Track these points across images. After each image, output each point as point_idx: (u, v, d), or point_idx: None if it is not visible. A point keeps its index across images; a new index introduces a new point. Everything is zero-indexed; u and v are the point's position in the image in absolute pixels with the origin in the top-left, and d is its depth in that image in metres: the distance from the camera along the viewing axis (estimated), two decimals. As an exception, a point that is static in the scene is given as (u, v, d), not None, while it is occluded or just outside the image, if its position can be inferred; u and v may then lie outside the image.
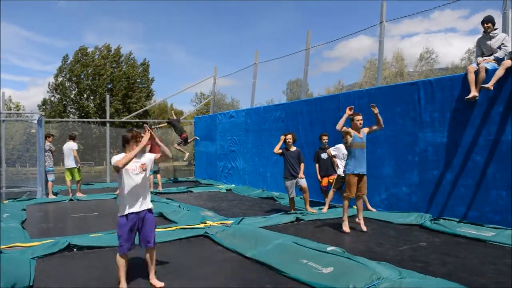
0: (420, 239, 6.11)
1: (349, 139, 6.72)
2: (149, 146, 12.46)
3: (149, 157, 4.47)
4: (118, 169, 4.19)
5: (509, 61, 6.61)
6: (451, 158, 7.37)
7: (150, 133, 4.43)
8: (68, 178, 11.65)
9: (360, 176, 6.76)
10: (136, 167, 4.30)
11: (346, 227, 6.70)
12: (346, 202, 6.83)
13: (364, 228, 6.73)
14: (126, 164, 4.16)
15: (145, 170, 4.37)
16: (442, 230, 6.44)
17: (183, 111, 48.52)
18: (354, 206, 8.11)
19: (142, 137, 4.40)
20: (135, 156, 4.24)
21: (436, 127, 7.64)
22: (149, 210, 4.44)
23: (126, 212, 4.28)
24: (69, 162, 11.57)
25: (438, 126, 7.59)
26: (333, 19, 75.17)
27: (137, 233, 4.42)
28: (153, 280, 4.36)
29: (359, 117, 6.78)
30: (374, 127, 6.92)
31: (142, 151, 4.36)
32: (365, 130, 6.87)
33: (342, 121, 6.62)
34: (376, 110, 6.71)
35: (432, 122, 7.70)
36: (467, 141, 7.13)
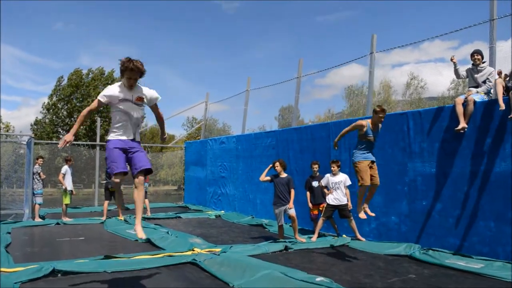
0: (409, 270, 6.07)
1: (362, 132, 6.56)
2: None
3: (148, 93, 4.39)
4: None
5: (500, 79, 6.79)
6: (440, 189, 7.41)
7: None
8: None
9: (371, 163, 6.58)
10: (132, 97, 4.22)
11: (362, 214, 6.66)
12: (362, 189, 6.57)
13: (371, 214, 6.74)
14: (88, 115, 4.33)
15: (140, 105, 4.31)
16: (431, 262, 6.42)
17: (174, 135, 48.54)
18: (344, 235, 8.11)
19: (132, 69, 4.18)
20: (131, 90, 4.22)
21: (425, 157, 7.70)
22: (138, 143, 4.39)
23: (115, 137, 4.25)
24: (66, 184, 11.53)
25: (427, 156, 7.66)
26: (325, 47, 76.35)
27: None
28: (138, 227, 4.29)
29: (383, 114, 6.61)
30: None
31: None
32: (380, 126, 6.77)
33: (346, 129, 6.75)
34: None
35: (421, 152, 7.77)
36: (456, 171, 7.18)
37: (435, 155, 7.52)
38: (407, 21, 74.60)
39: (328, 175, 8.41)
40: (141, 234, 4.18)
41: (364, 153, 6.55)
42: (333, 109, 33.35)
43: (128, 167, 4.35)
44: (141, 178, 4.24)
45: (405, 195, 8.01)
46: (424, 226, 7.62)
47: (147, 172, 4.30)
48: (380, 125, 6.73)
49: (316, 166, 9.15)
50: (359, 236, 8.23)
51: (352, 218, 8.19)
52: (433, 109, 7.81)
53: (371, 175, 6.55)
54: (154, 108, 4.62)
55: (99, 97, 4.26)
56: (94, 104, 4.29)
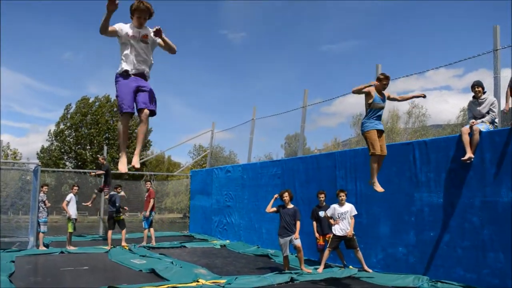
0: (417, 303, 5.96)
1: (370, 99, 6.56)
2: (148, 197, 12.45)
3: (152, 37, 4.34)
4: (105, 35, 4.13)
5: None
6: (448, 219, 7.33)
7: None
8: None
9: (379, 133, 6.57)
10: (139, 33, 4.22)
11: (378, 187, 6.64)
12: (373, 160, 6.54)
13: (381, 189, 6.70)
14: (104, 28, 4.04)
15: (147, 41, 4.28)
16: (440, 294, 6.31)
17: (180, 163, 48.65)
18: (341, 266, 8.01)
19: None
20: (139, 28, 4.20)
21: (431, 187, 7.64)
22: (145, 78, 4.35)
23: (123, 69, 4.22)
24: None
25: (434, 186, 7.60)
26: (331, 75, 77.02)
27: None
28: (135, 157, 4.26)
29: (387, 81, 6.62)
30: (397, 97, 6.90)
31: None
32: (387, 93, 6.77)
33: (360, 87, 6.54)
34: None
35: (428, 182, 7.72)
36: (463, 202, 7.11)
37: (442, 185, 7.47)
38: (411, 49, 75.37)
39: (334, 205, 8.34)
40: (136, 164, 4.21)
41: (372, 123, 6.57)
42: (339, 137, 33.40)
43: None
44: (146, 112, 4.24)
45: (412, 226, 7.91)
46: (432, 258, 7.50)
47: (151, 113, 4.30)
48: (384, 92, 6.75)
49: (323, 195, 9.10)
50: (366, 267, 8.11)
51: (358, 249, 8.09)
52: (439, 138, 7.80)
53: (380, 146, 6.55)
54: (160, 43, 4.45)
55: (115, 27, 4.22)
56: (110, 28, 4.17)
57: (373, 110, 6.62)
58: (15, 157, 40.19)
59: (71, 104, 39.65)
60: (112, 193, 12.03)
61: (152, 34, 4.30)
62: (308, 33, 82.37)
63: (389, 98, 6.92)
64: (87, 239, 14.03)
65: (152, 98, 4.29)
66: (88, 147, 38.58)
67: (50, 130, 39.24)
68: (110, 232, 11.80)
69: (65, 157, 38.96)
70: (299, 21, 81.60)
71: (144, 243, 12.18)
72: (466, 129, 7.07)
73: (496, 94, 7.63)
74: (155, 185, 19.65)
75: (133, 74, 4.24)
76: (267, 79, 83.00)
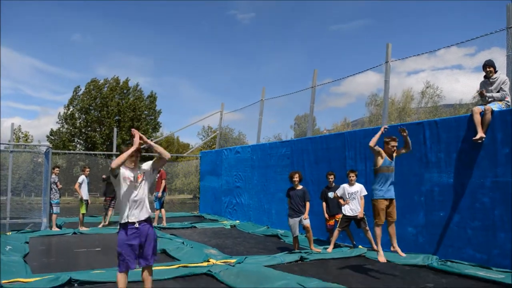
0: (427, 280, 5.99)
1: (380, 161, 6.46)
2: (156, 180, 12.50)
3: (146, 165, 4.57)
4: (114, 173, 4.29)
5: None
6: (458, 199, 7.31)
7: (140, 136, 4.52)
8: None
9: (389, 201, 6.48)
10: (134, 178, 4.40)
11: (381, 257, 6.46)
12: (378, 229, 6.46)
13: (402, 254, 6.45)
14: (120, 164, 4.23)
15: (144, 179, 4.48)
16: (450, 271, 6.34)
17: (190, 144, 48.85)
18: (351, 246, 8.04)
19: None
20: (131, 156, 4.38)
21: (442, 167, 7.60)
22: (149, 222, 4.56)
23: (125, 220, 4.37)
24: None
25: (444, 166, 7.56)
26: (340, 55, 76.20)
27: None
28: None
29: (394, 143, 6.48)
30: (403, 150, 6.65)
31: (137, 165, 4.53)
32: (398, 152, 6.63)
33: (375, 138, 6.40)
34: (405, 133, 6.46)
35: (438, 162, 7.68)
36: (474, 182, 7.08)
37: (453, 165, 7.43)
38: (422, 27, 74.15)
39: (344, 185, 8.34)
40: None
41: (382, 190, 6.42)
42: (349, 117, 33.24)
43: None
44: (146, 273, 4.60)
45: (422, 206, 7.91)
46: (442, 238, 7.51)
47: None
48: (394, 154, 6.57)
49: (332, 176, 9.10)
50: (375, 247, 8.13)
51: (368, 228, 8.10)
52: (450, 118, 7.73)
53: (388, 212, 6.46)
54: (155, 163, 4.68)
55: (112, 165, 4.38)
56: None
57: (381, 174, 6.48)
58: (26, 140, 40.55)
59: (80, 86, 39.77)
60: None
61: (149, 167, 4.60)
62: (317, 12, 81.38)
63: (399, 153, 6.67)
64: (99, 220, 14.20)
65: (154, 248, 4.60)
66: (98, 129, 38.78)
67: (60, 113, 39.47)
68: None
69: (75, 140, 39.26)
70: (308, 0, 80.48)
71: (155, 224, 12.31)
72: (477, 108, 6.99)
73: (509, 73, 7.51)
74: (165, 166, 19.77)
75: (137, 222, 4.44)
76: (276, 60, 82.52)
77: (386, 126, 6.69)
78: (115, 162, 4.23)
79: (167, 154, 4.55)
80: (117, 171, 4.33)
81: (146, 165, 4.58)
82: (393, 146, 6.47)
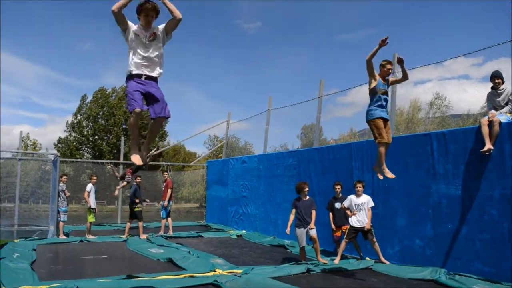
0: (434, 295, 5.94)
1: (374, 83, 6.43)
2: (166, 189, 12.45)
3: (160, 26, 4.36)
4: (117, 19, 4.13)
5: None
6: (466, 212, 7.26)
7: None
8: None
9: (384, 121, 6.41)
10: (145, 36, 4.24)
11: (389, 174, 6.39)
12: (382, 148, 6.32)
13: (392, 175, 6.40)
14: (120, 7, 4.04)
15: (156, 39, 4.30)
16: (458, 287, 6.26)
17: (196, 153, 48.95)
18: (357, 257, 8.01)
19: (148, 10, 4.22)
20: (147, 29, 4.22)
21: (449, 179, 7.57)
22: (156, 82, 4.38)
23: (132, 72, 4.27)
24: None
25: (452, 178, 7.53)
26: (346, 64, 76.34)
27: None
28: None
29: (390, 66, 6.51)
30: (400, 78, 6.65)
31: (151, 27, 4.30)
32: (390, 78, 6.63)
33: (373, 51, 6.23)
34: (402, 63, 6.36)
35: (445, 174, 7.65)
36: (482, 194, 7.03)
37: (460, 177, 7.39)
38: (429, 37, 74.20)
39: (351, 196, 8.32)
40: (138, 162, 4.28)
41: (377, 110, 6.39)
42: (356, 127, 33.17)
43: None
44: (161, 119, 4.34)
45: (429, 218, 7.86)
46: (450, 250, 7.45)
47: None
48: (391, 77, 6.63)
49: (339, 187, 9.09)
50: (382, 259, 8.10)
51: (375, 240, 8.07)
52: (457, 130, 7.71)
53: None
54: (168, 25, 4.38)
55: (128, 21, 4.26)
56: (124, 17, 4.21)
57: (376, 97, 6.45)
58: (34, 148, 40.81)
59: (87, 94, 40.10)
60: (131, 183, 12.18)
61: (162, 28, 4.31)
62: (323, 23, 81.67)
63: (394, 82, 6.77)
64: (107, 228, 14.24)
65: (165, 105, 4.32)
66: (105, 137, 39.00)
67: (67, 121, 39.77)
68: (128, 222, 11.95)
69: (83, 148, 39.49)
70: (315, 10, 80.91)
71: (161, 233, 12.33)
72: (485, 120, 6.96)
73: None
74: (172, 175, 19.81)
75: (143, 77, 4.29)
76: (283, 69, 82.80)
77: (385, 38, 6.19)
78: (115, 5, 4.03)
79: (179, 13, 4.28)
80: (120, 19, 4.14)
81: (161, 26, 4.37)
82: (388, 69, 6.52)
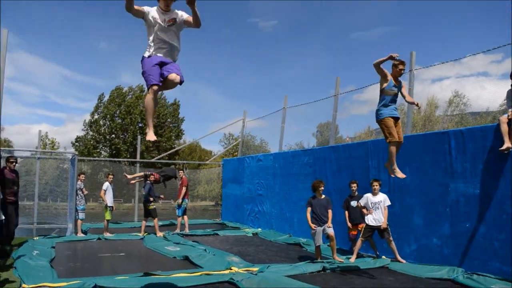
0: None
1: (384, 84, 6.45)
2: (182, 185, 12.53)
3: (180, 13, 4.35)
4: (130, 13, 4.17)
5: None
6: (484, 211, 7.17)
7: None
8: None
9: (395, 120, 6.44)
10: (164, 21, 4.26)
11: (399, 173, 6.46)
12: (393, 148, 6.35)
13: (402, 175, 6.51)
14: (129, 5, 4.08)
15: (173, 24, 4.31)
16: (475, 286, 6.19)
17: (212, 151, 49.15)
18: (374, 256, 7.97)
19: None
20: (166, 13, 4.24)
21: (467, 177, 7.48)
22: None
23: (151, 54, 4.30)
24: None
25: (470, 177, 7.44)
26: (363, 62, 75.76)
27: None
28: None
29: (402, 66, 6.49)
30: (405, 93, 6.64)
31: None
32: (403, 84, 6.64)
33: (381, 59, 6.30)
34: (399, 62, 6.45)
35: (463, 172, 7.56)
36: (501, 193, 6.93)
37: (479, 175, 7.30)
38: (447, 34, 73.19)
39: (368, 194, 8.28)
40: (152, 137, 4.35)
41: (388, 109, 6.43)
42: (372, 125, 32.94)
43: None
44: (173, 76, 4.28)
45: (447, 217, 7.78)
46: (467, 249, 7.37)
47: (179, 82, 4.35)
48: (400, 80, 6.59)
49: (355, 185, 9.05)
50: (399, 258, 8.05)
51: (392, 239, 8.02)
52: (475, 128, 7.61)
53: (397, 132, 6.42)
54: (187, 20, 4.38)
55: (144, 8, 4.29)
56: (138, 7, 4.24)
57: (386, 97, 6.48)
58: (53, 147, 41.45)
59: (104, 93, 40.57)
60: (146, 182, 12.29)
61: (182, 17, 4.31)
62: (339, 20, 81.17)
63: (404, 94, 6.68)
64: (124, 226, 14.38)
65: (178, 69, 4.33)
66: (122, 136, 39.40)
67: (85, 120, 40.28)
68: (144, 220, 12.06)
69: (100, 146, 39.95)
70: (330, 8, 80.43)
71: (177, 230, 12.41)
72: (504, 118, 6.86)
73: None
74: (188, 173, 19.92)
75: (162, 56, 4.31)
76: (299, 67, 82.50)
77: (396, 55, 6.32)
78: (125, 5, 4.09)
79: (199, 23, 4.33)
80: (134, 13, 4.19)
81: (181, 13, 4.35)
82: (401, 70, 6.51)
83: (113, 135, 39.45)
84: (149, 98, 4.31)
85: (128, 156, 35.73)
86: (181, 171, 13.35)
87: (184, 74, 4.42)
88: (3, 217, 8.07)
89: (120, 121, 39.10)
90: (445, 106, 27.92)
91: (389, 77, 6.47)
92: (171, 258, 8.51)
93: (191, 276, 6.50)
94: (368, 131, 32.60)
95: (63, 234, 11.75)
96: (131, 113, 38.63)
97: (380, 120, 6.50)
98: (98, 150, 39.68)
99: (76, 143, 39.44)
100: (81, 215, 11.75)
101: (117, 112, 39.30)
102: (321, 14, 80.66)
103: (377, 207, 8.09)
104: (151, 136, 4.37)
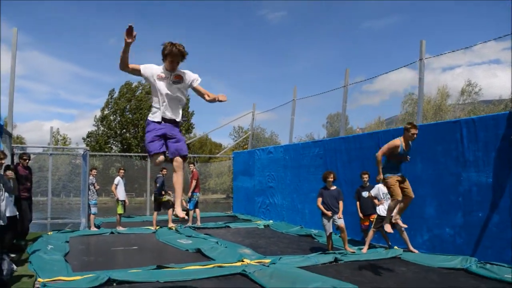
0: (465, 285, 5.85)
1: (395, 151, 6.40)
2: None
3: (188, 75, 4.25)
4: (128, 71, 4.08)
5: None
6: (497, 200, 7.10)
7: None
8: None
9: (401, 179, 6.43)
10: (169, 77, 4.13)
11: (388, 228, 6.61)
12: (393, 203, 6.46)
13: (404, 225, 6.93)
14: (121, 64, 3.97)
15: (179, 82, 4.18)
16: (489, 276, 6.15)
17: (222, 144, 49.24)
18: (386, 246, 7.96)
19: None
20: (171, 62, 4.06)
21: (480, 166, 7.41)
22: (175, 124, 4.31)
23: (156, 119, 4.20)
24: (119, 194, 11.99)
25: (482, 166, 7.36)
26: (372, 52, 75.14)
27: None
28: (178, 208, 4.18)
29: (415, 131, 6.35)
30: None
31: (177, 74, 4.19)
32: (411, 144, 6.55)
33: (377, 164, 6.47)
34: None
35: (476, 161, 7.49)
36: (514, 182, 6.86)
37: (491, 164, 7.22)
38: (457, 22, 72.25)
39: (379, 185, 8.24)
40: (181, 214, 4.16)
41: (391, 169, 6.43)
42: (383, 115, 32.72)
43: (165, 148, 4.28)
44: (179, 160, 4.18)
45: (459, 206, 7.73)
46: (480, 239, 7.32)
47: (183, 158, 4.23)
48: (411, 142, 6.51)
49: (366, 176, 9.01)
50: (411, 248, 8.02)
51: (404, 229, 7.98)
52: (487, 116, 7.52)
53: (404, 188, 6.42)
54: (196, 89, 4.36)
55: (139, 66, 4.17)
56: (133, 65, 4.10)
57: (392, 161, 6.46)
58: (64, 143, 41.81)
59: (114, 89, 40.75)
60: (158, 175, 12.35)
61: (193, 82, 4.25)
62: (348, 10, 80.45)
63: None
64: (136, 220, 14.49)
65: (182, 145, 4.25)
66: (132, 131, 39.60)
67: (96, 116, 40.52)
68: (155, 213, 12.15)
69: (111, 141, 40.22)
70: (339, -3, 79.71)
71: (189, 224, 12.48)
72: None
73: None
74: (199, 167, 19.99)
75: (165, 121, 4.23)
76: (308, 59, 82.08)
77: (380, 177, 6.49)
78: (119, 65, 3.97)
79: (207, 99, 4.30)
80: (131, 72, 4.09)
81: (188, 74, 4.26)
82: (413, 134, 6.36)
83: (124, 130, 39.66)
84: (174, 177, 4.21)
85: (139, 150, 35.91)
86: (192, 165, 13.39)
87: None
88: (17, 213, 8.18)
89: (130, 116, 39.28)
90: (457, 96, 27.67)
91: (399, 142, 6.37)
92: (184, 251, 8.57)
93: (203, 268, 6.54)
94: (379, 121, 32.39)
95: (76, 228, 11.87)
96: (141, 107, 38.77)
97: (383, 179, 6.50)
98: (109, 145, 39.95)
99: (88, 139, 39.72)
100: (94, 210, 11.85)
101: (127, 107, 39.48)
102: (330, 4, 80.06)
103: (388, 198, 8.04)
104: (179, 212, 4.20)
